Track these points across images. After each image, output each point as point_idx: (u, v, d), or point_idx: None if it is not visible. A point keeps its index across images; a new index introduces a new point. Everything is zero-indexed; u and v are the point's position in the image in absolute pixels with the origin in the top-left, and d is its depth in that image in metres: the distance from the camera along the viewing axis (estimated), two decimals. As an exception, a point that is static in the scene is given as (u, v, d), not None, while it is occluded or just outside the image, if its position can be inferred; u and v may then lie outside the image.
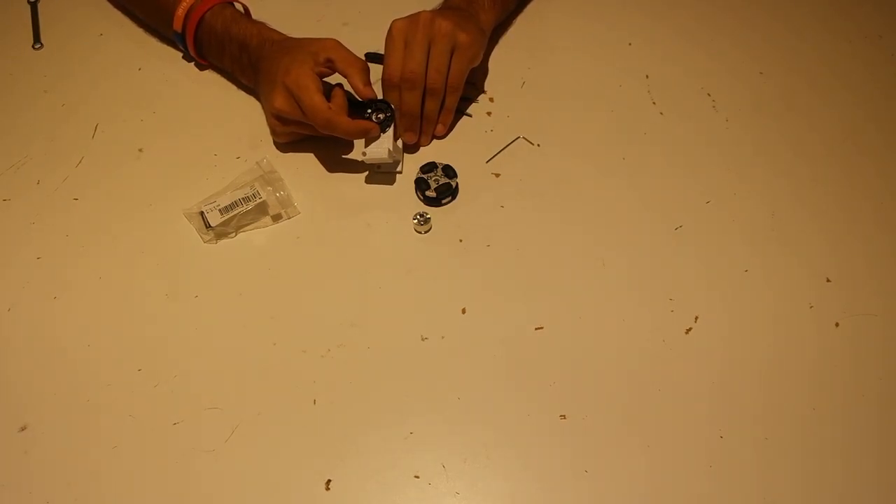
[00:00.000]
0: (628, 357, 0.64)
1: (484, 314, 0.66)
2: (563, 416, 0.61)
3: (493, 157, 0.75)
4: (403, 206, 0.72)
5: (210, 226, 0.69)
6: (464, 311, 0.66)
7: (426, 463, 0.60)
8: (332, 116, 0.68)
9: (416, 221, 0.70)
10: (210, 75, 0.81)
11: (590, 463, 0.59)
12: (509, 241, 0.70)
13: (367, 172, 0.74)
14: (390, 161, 0.71)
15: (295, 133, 0.74)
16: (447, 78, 0.72)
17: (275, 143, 0.76)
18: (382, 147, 0.70)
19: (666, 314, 0.66)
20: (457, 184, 0.73)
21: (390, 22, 0.71)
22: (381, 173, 0.74)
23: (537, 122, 0.77)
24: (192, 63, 0.82)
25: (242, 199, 0.70)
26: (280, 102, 0.70)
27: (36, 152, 0.77)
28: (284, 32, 0.75)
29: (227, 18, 0.75)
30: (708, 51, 0.83)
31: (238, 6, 0.77)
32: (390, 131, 0.70)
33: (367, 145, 0.71)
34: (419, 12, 0.71)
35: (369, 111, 0.71)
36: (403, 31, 0.70)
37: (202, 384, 0.63)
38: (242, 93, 0.80)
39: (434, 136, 0.76)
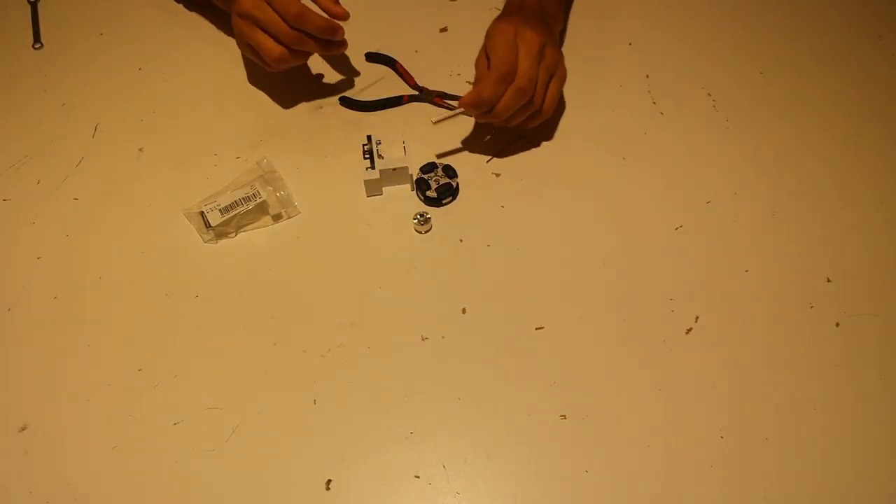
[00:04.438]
0: (628, 357, 0.64)
1: (484, 314, 0.66)
2: (564, 416, 0.61)
3: (493, 156, 0.75)
4: (403, 206, 0.72)
5: (210, 226, 0.69)
6: (464, 311, 0.66)
7: (426, 463, 0.60)
8: (304, 9, 0.68)
9: (416, 221, 0.70)
10: (209, 75, 0.82)
11: (590, 463, 0.59)
12: (509, 241, 0.70)
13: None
14: (381, 178, 0.72)
15: (254, 53, 0.73)
16: (543, 101, 0.71)
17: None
18: (375, 171, 0.71)
19: (666, 314, 0.66)
20: (457, 184, 0.73)
21: (490, 24, 0.70)
22: (394, 176, 0.73)
23: (537, 122, 0.77)
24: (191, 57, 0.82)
25: (242, 198, 0.70)
26: (247, 1, 0.69)
27: (36, 152, 0.77)
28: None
29: None
30: (708, 51, 0.83)
31: None
32: (383, 159, 0.71)
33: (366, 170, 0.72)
34: (525, 29, 0.68)
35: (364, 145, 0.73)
36: (513, 38, 0.68)
37: (202, 384, 0.63)
38: (242, 92, 0.80)
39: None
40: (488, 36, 0.70)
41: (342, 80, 0.81)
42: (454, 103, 0.72)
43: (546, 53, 0.69)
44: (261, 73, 0.81)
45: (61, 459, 0.60)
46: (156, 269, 0.69)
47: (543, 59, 0.69)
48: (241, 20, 0.71)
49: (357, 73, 0.82)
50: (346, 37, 0.73)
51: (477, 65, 0.73)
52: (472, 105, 0.69)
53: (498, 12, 0.85)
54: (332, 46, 0.74)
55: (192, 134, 0.78)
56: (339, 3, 0.72)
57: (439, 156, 0.75)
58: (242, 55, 0.81)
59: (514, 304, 0.67)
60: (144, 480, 0.59)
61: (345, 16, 0.72)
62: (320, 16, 0.71)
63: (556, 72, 0.71)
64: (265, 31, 0.71)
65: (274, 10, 0.69)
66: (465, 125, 0.78)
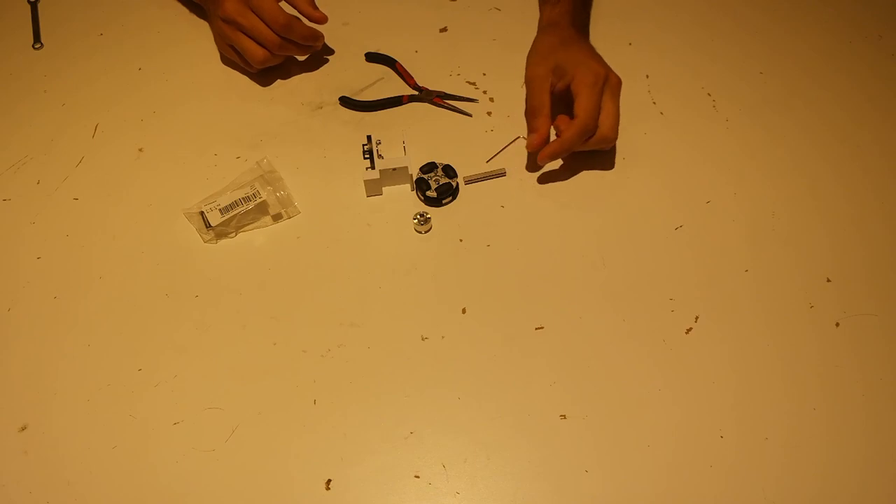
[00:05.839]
0: (628, 357, 0.64)
1: (484, 314, 0.66)
2: (563, 416, 0.61)
3: (493, 157, 0.75)
4: (403, 206, 0.72)
5: (210, 226, 0.69)
6: (464, 311, 0.67)
7: (426, 463, 0.60)
8: (291, 19, 0.73)
9: (416, 221, 0.70)
10: (209, 75, 0.82)
11: (590, 463, 0.59)
12: (509, 241, 0.70)
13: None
14: (381, 178, 0.72)
15: (235, 54, 0.77)
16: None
17: (250, 66, 0.78)
18: (375, 171, 0.71)
19: (666, 314, 0.66)
20: (457, 184, 0.73)
21: (601, 69, 0.70)
22: (393, 176, 0.73)
23: (537, 122, 0.77)
24: (189, 49, 0.82)
25: (242, 198, 0.70)
26: (231, 5, 0.72)
27: (36, 152, 0.77)
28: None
29: None
30: (708, 51, 0.83)
31: None
32: (382, 159, 0.72)
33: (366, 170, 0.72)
34: (612, 73, 0.71)
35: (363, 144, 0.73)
36: (602, 86, 0.70)
37: (202, 384, 0.63)
38: (242, 92, 0.80)
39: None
40: (575, 69, 0.70)
41: (342, 80, 0.81)
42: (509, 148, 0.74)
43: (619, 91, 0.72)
44: (261, 75, 0.81)
45: (61, 459, 0.60)
46: (156, 269, 0.69)
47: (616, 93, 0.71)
48: (225, 24, 0.75)
49: (357, 73, 0.82)
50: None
51: (535, 82, 0.72)
52: (551, 157, 0.70)
53: (497, 12, 0.86)
54: (310, 49, 0.79)
55: (192, 134, 0.78)
56: (318, 9, 0.76)
57: (439, 156, 0.75)
58: (220, 54, 0.82)
59: (514, 304, 0.67)
60: (144, 480, 0.59)
61: (324, 19, 0.76)
62: (305, 25, 0.75)
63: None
64: (249, 36, 0.74)
65: (261, 18, 0.73)
66: (464, 125, 0.78)
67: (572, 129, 0.69)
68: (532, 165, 0.74)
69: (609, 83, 0.70)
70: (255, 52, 0.75)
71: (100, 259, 0.70)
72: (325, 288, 0.68)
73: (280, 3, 0.74)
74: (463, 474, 0.59)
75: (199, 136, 0.77)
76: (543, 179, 0.74)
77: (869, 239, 0.70)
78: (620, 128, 0.77)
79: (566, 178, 0.74)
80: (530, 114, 0.73)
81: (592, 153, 0.75)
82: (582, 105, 0.69)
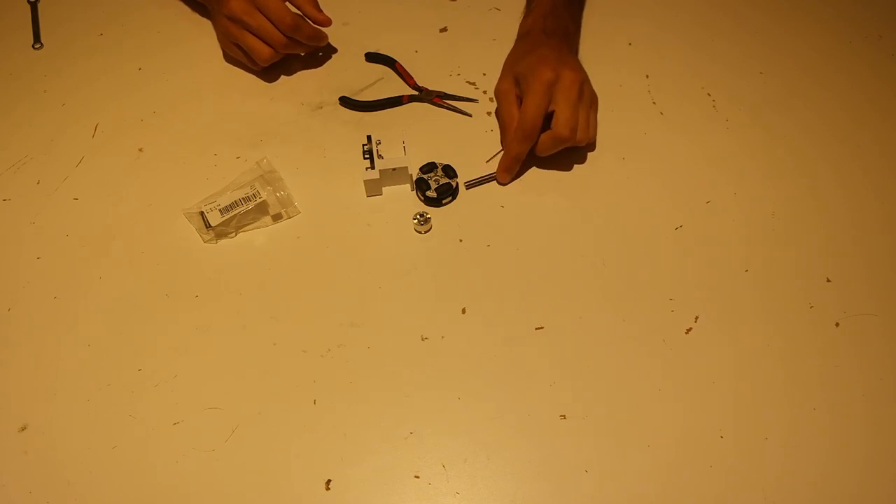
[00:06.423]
0: (628, 357, 0.64)
1: (484, 314, 0.66)
2: (563, 416, 0.61)
3: (493, 156, 0.75)
4: (403, 206, 0.72)
5: (210, 226, 0.69)
6: (464, 311, 0.67)
7: (426, 463, 0.60)
8: (298, 19, 0.74)
9: (416, 221, 0.70)
10: (209, 75, 0.82)
11: (590, 463, 0.59)
12: (509, 241, 0.70)
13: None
14: (381, 178, 0.72)
15: (240, 52, 0.78)
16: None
17: (252, 64, 0.79)
18: (375, 171, 0.71)
19: (666, 314, 0.66)
20: (457, 184, 0.73)
21: (518, 54, 0.72)
22: (393, 176, 0.73)
23: (537, 122, 0.77)
24: (190, 50, 0.82)
25: (242, 198, 0.70)
26: (237, 4, 0.73)
27: (36, 152, 0.77)
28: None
29: None
30: (708, 51, 0.83)
31: None
32: (382, 159, 0.72)
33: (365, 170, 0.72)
34: (564, 70, 0.68)
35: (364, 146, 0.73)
36: (548, 89, 0.68)
37: (202, 384, 0.63)
38: (242, 92, 0.80)
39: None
40: (525, 79, 0.70)
41: (342, 80, 0.81)
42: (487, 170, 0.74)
43: (584, 91, 0.70)
44: (261, 74, 0.81)
45: (61, 459, 0.60)
46: (156, 269, 0.69)
47: (582, 96, 0.70)
48: (231, 23, 0.75)
49: (357, 73, 0.82)
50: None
51: (501, 97, 0.73)
52: (507, 171, 0.72)
53: (497, 12, 0.86)
54: (314, 47, 0.80)
55: (192, 134, 0.78)
56: (322, 11, 0.77)
57: (439, 156, 0.75)
58: (223, 52, 0.82)
59: (514, 304, 0.67)
60: (144, 480, 0.59)
61: (328, 22, 0.77)
62: (310, 24, 0.76)
63: (593, 103, 0.72)
64: (255, 35, 0.75)
65: (267, 18, 0.73)
66: (464, 125, 0.78)
67: (511, 135, 0.70)
68: (533, 166, 0.74)
69: (561, 84, 0.68)
70: (262, 50, 0.76)
71: (100, 259, 0.70)
72: (325, 288, 0.68)
73: (284, 3, 0.74)
74: (463, 474, 0.59)
75: (199, 136, 0.77)
76: (543, 179, 0.74)
77: (869, 239, 0.70)
78: (620, 128, 0.77)
79: (566, 179, 0.74)
80: (501, 130, 0.74)
81: (591, 153, 0.75)
82: (522, 109, 0.69)
